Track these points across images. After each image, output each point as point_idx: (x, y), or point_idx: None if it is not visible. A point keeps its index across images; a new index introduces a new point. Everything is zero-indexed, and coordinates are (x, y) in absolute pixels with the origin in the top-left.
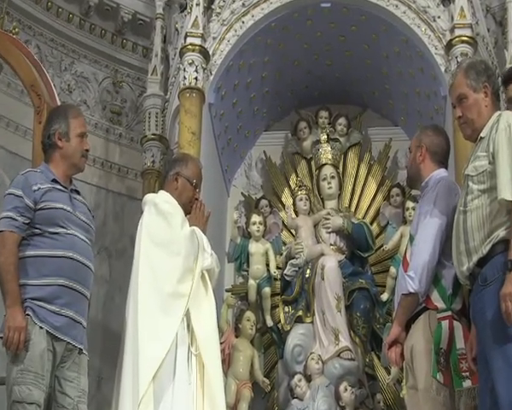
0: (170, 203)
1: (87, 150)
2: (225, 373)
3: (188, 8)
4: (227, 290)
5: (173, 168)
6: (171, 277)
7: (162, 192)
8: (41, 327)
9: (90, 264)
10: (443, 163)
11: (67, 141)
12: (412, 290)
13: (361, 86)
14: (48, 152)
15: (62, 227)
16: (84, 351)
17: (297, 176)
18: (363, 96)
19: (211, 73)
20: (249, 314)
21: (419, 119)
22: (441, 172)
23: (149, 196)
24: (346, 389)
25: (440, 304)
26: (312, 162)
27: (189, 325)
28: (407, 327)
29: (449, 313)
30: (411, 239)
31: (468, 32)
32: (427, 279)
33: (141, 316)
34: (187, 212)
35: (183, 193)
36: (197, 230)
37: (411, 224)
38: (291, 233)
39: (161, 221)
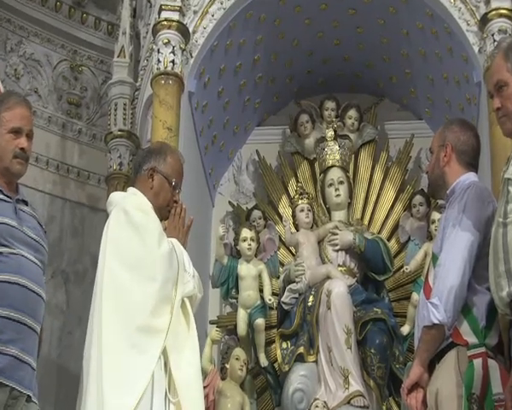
0: (143, 211)
1: (23, 149)
2: None
3: None
4: (211, 322)
5: (148, 161)
6: (145, 307)
7: (133, 192)
8: None
9: (41, 291)
10: (472, 165)
11: None
12: (436, 321)
13: (376, 70)
14: None
15: (6, 246)
16: (33, 398)
17: (297, 181)
18: (378, 82)
19: (191, 56)
20: (239, 352)
21: (447, 110)
22: (470, 176)
23: (117, 197)
24: None
25: (471, 339)
26: (316, 164)
27: (166, 365)
28: (431, 367)
29: (482, 349)
30: (435, 259)
31: (507, 4)
32: (455, 308)
33: (106, 355)
34: (163, 217)
35: (160, 194)
36: (176, 243)
37: (435, 240)
38: (290, 252)
39: (133, 235)
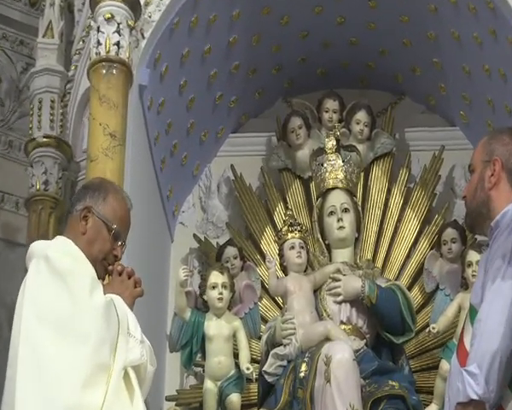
0: (71, 256)
1: None
2: None
3: None
4: (168, 399)
5: (82, 200)
6: (72, 379)
7: (60, 239)
8: None
9: None
10: None
11: None
12: (475, 396)
13: (393, 59)
14: None
15: None
16: None
17: (286, 208)
18: (396, 74)
19: (143, 36)
20: None
21: (489, 113)
22: None
23: (38, 246)
24: None
25: None
26: (312, 185)
27: None
28: None
29: None
30: (473, 313)
31: None
32: (499, 379)
33: None
34: (99, 274)
35: (95, 242)
36: (117, 300)
37: (473, 288)
38: (276, 303)
39: (56, 286)
